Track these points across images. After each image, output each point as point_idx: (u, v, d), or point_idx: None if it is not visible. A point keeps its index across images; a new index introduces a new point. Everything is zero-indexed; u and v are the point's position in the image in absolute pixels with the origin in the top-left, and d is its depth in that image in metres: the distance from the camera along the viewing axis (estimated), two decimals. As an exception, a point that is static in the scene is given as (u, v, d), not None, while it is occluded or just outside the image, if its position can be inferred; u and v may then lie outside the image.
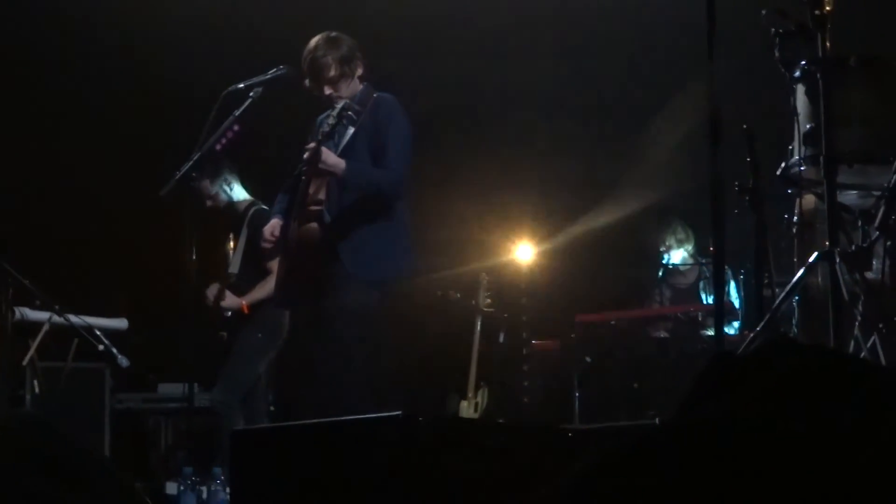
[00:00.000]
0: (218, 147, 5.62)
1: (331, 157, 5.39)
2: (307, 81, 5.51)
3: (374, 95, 5.62)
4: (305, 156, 5.40)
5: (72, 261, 7.59)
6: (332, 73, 5.47)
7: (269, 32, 7.28)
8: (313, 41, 5.54)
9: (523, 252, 8.21)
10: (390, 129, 5.50)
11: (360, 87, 5.64)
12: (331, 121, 5.38)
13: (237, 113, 5.57)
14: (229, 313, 6.62)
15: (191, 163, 5.52)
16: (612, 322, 6.83)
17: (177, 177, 5.49)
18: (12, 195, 7.31)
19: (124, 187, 7.49)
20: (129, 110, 7.74)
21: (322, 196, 5.49)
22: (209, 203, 6.75)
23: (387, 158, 5.47)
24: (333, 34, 5.59)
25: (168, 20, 7.45)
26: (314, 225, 5.51)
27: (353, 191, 5.52)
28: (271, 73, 5.64)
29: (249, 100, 5.59)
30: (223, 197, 6.81)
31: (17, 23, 7.42)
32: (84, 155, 7.69)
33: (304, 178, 5.46)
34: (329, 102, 5.57)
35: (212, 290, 6.62)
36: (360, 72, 5.59)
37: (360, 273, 5.52)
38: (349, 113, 5.39)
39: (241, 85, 5.58)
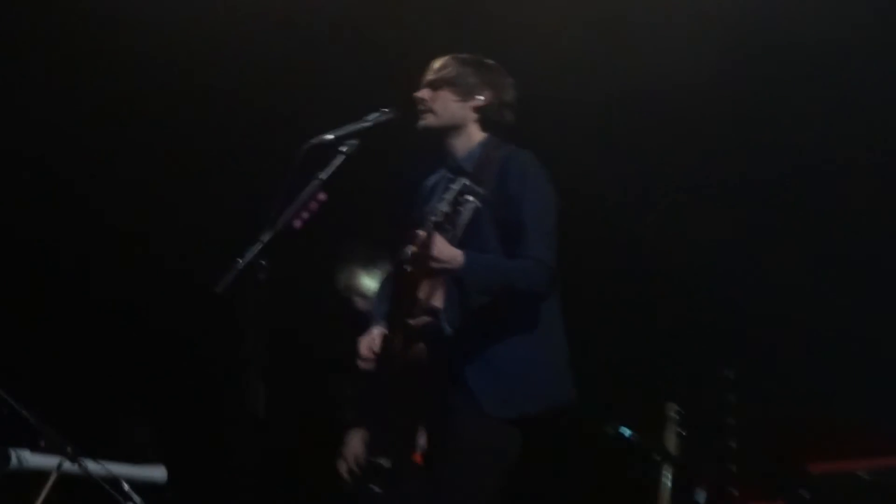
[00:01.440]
0: (297, 224, 4.06)
1: (445, 251, 3.92)
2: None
3: (502, 152, 4.12)
4: (411, 249, 3.91)
5: (91, 384, 6.03)
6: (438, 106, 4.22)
7: (366, 63, 5.75)
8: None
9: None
10: (526, 202, 4.14)
11: (481, 137, 4.18)
12: (444, 207, 3.89)
13: (324, 176, 4.02)
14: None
15: (259, 247, 3.94)
16: (864, 475, 4.94)
17: (239, 266, 3.92)
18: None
19: (161, 279, 5.98)
20: (161, 167, 6.29)
21: (438, 302, 4.10)
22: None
23: (525, 242, 4.10)
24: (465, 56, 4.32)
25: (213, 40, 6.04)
26: (428, 341, 4.03)
27: (481, 293, 4.02)
28: (372, 118, 4.11)
29: (341, 157, 4.04)
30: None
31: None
32: (110, 232, 6.23)
33: (410, 275, 4.04)
34: (443, 155, 4.25)
35: None
36: (477, 112, 4.23)
37: (495, 407, 4.02)
38: (469, 198, 3.90)
39: (330, 136, 4.03)
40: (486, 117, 4.25)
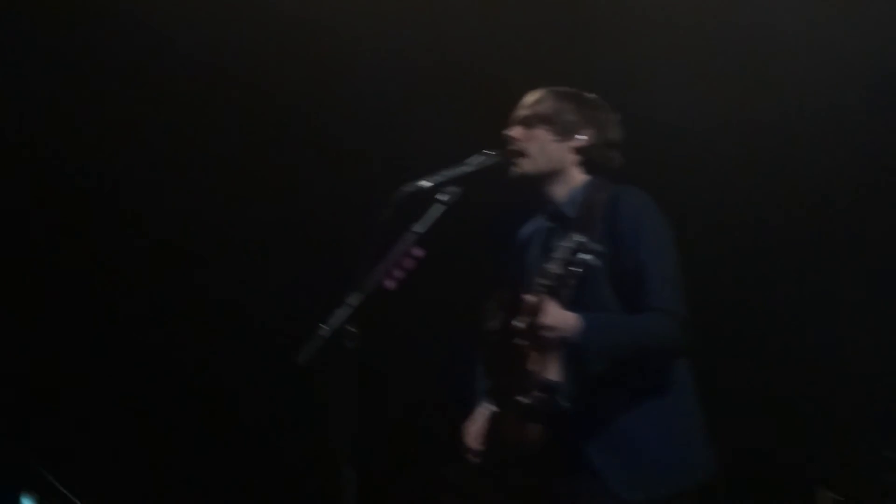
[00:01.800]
0: (389, 285, 3.53)
1: (559, 317, 3.44)
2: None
3: (608, 192, 3.59)
4: (518, 322, 3.40)
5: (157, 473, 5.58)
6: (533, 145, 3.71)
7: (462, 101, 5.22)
8: None
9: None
10: (643, 246, 3.56)
11: (584, 179, 3.68)
12: (556, 268, 3.36)
13: (420, 228, 3.51)
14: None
15: (347, 312, 3.43)
16: None
17: (324, 334, 3.42)
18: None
19: (237, 348, 5.49)
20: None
21: (552, 374, 3.50)
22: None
23: (647, 292, 3.53)
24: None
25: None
26: (543, 420, 3.50)
27: (603, 360, 3.49)
28: (475, 161, 3.60)
29: (440, 206, 3.53)
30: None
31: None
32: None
33: (519, 347, 3.50)
34: (538, 201, 3.76)
35: None
36: (579, 153, 3.71)
37: (627, 489, 3.46)
38: (585, 257, 3.35)
39: (426, 182, 3.54)
40: (589, 159, 3.72)
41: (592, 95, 3.79)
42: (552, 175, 3.70)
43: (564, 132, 3.68)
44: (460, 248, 4.89)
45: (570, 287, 3.39)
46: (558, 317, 3.38)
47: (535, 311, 3.36)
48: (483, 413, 3.71)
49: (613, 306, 3.52)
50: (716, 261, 5.08)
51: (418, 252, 3.51)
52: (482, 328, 3.68)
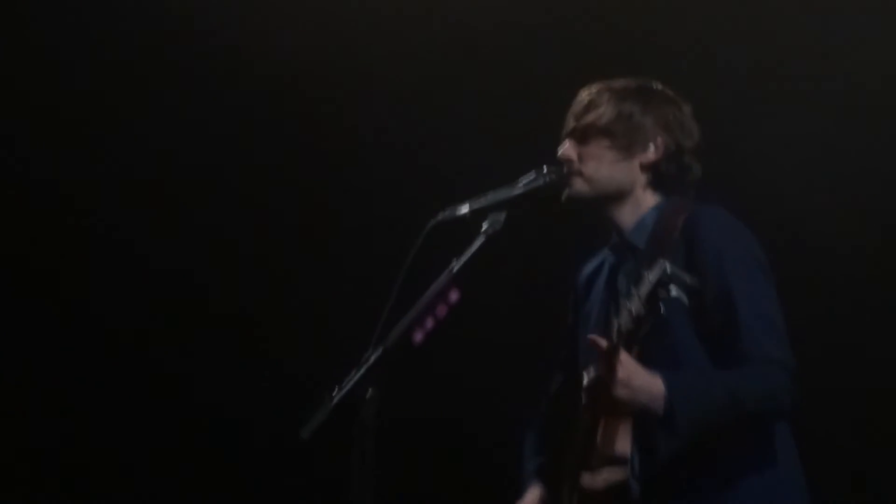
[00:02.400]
0: (418, 338, 2.81)
1: (638, 375, 2.73)
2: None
3: (685, 216, 2.90)
4: (589, 381, 2.74)
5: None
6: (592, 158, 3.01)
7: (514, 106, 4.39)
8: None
9: None
10: (732, 280, 2.86)
11: (654, 200, 3.00)
12: (636, 307, 2.66)
13: (457, 266, 2.79)
14: None
15: (364, 371, 2.73)
16: None
17: (335, 399, 2.73)
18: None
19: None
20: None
21: (623, 447, 2.82)
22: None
23: (743, 339, 2.83)
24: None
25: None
26: None
27: (693, 428, 2.78)
28: (526, 182, 2.89)
29: (481, 238, 2.82)
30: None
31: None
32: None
33: (582, 413, 2.86)
34: (603, 229, 3.09)
35: None
36: (648, 170, 3.02)
37: None
38: (673, 291, 2.65)
39: (464, 208, 2.84)
40: (661, 175, 3.01)
41: (659, 86, 3.07)
42: (615, 198, 3.00)
43: (629, 146, 2.99)
44: (506, 291, 4.08)
45: (646, 332, 2.70)
46: (637, 375, 2.69)
47: (609, 363, 2.68)
48: (534, 497, 3.06)
49: (696, 356, 2.83)
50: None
51: (454, 296, 2.81)
52: (534, 390, 2.97)
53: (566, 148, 3.02)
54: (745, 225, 2.95)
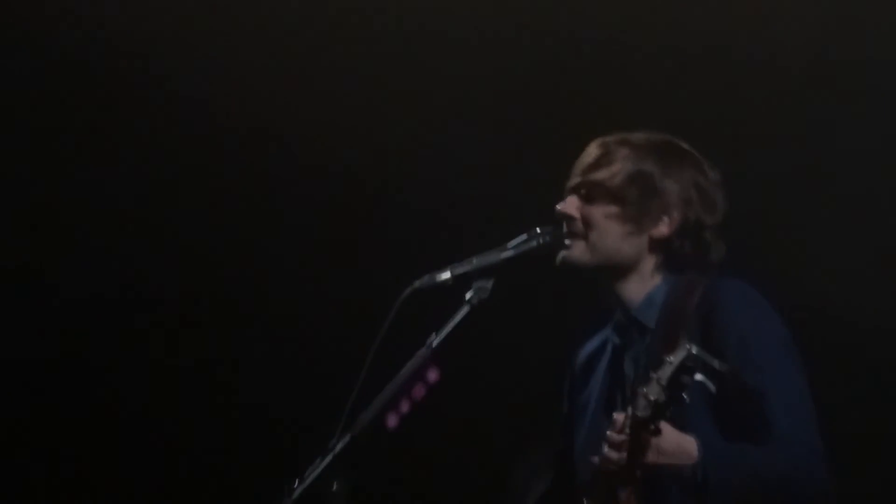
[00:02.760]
0: (392, 423, 2.47)
1: (676, 442, 2.37)
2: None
3: (701, 292, 2.53)
4: (608, 450, 2.35)
5: None
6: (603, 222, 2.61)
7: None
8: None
9: None
10: (757, 364, 2.48)
11: (665, 276, 2.62)
12: (655, 393, 2.31)
13: (436, 342, 2.46)
14: None
15: (329, 461, 2.41)
16: None
17: (294, 494, 2.40)
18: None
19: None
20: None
21: None
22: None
23: (765, 422, 2.48)
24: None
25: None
26: None
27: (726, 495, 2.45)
28: (516, 244, 2.54)
29: (465, 308, 2.47)
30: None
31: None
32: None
33: (596, 483, 2.42)
34: (604, 302, 2.68)
35: None
36: (659, 247, 2.62)
37: None
38: (699, 377, 2.31)
39: (446, 274, 2.49)
40: (673, 252, 2.61)
41: (685, 145, 2.67)
42: (619, 270, 2.61)
43: (641, 217, 2.58)
44: (491, 370, 3.66)
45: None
46: (673, 440, 2.35)
47: (639, 431, 2.34)
48: None
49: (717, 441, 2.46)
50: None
51: (434, 375, 2.46)
52: (523, 488, 2.59)
53: (568, 204, 2.61)
54: (769, 301, 2.55)
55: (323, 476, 2.44)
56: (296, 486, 2.43)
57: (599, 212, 2.59)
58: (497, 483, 2.53)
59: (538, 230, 2.56)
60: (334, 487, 2.45)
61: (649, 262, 2.60)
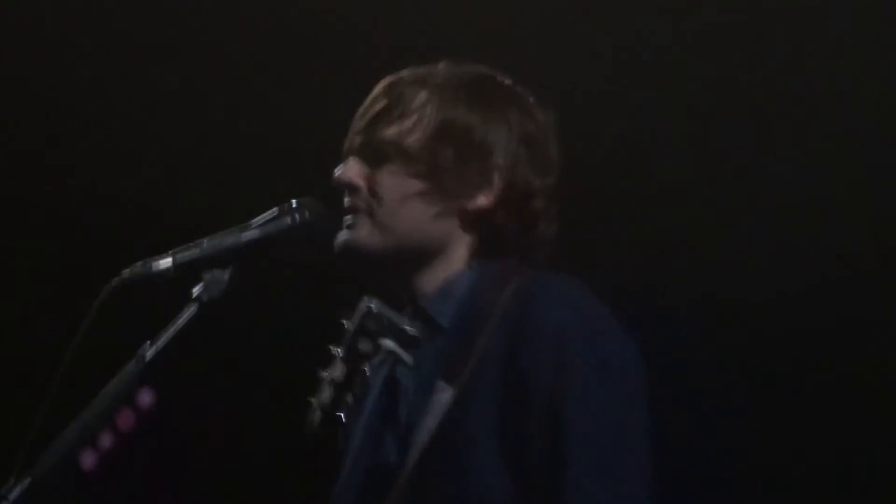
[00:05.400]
0: (90, 462, 1.88)
1: None
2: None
3: (515, 287, 1.93)
4: None
5: None
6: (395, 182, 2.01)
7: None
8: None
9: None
10: (570, 397, 1.85)
11: (475, 261, 2.02)
12: (334, 372, 1.89)
13: (150, 354, 1.83)
14: None
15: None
16: None
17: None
18: None
19: None
20: None
21: None
22: None
23: (563, 486, 1.83)
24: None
25: None
26: None
27: None
28: (263, 223, 1.93)
29: (191, 309, 1.87)
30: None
31: None
32: None
33: None
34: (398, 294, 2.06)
35: None
36: (475, 223, 2.02)
37: None
38: (373, 342, 1.90)
39: (167, 261, 1.89)
40: (493, 230, 2.03)
41: (506, 81, 2.09)
42: (418, 257, 2.01)
43: (451, 186, 1.98)
44: (230, 392, 2.99)
45: (420, 418, 1.88)
46: None
47: None
48: None
49: (496, 498, 1.86)
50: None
51: (147, 399, 1.88)
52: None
53: (348, 170, 2.01)
54: (609, 310, 1.96)
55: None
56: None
57: (392, 179, 1.99)
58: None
59: (293, 203, 1.93)
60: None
61: (461, 245, 2.01)
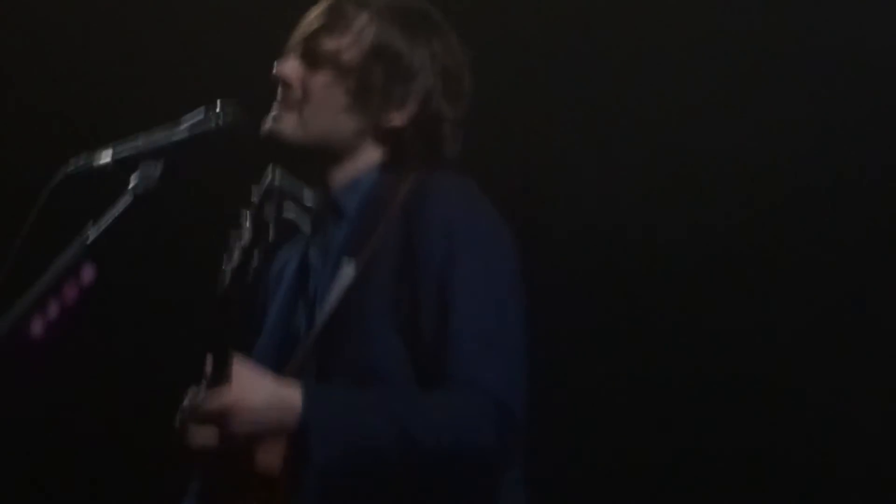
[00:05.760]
0: (38, 329, 2.11)
1: (248, 389, 2.04)
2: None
3: (414, 182, 2.22)
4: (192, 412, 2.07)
5: None
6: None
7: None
8: None
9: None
10: (455, 277, 2.14)
11: (381, 160, 2.29)
12: (243, 237, 2.09)
13: (93, 236, 2.09)
14: None
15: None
16: None
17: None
18: None
19: None
20: None
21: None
22: None
23: (449, 356, 2.10)
24: None
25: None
26: None
27: (346, 477, 2.06)
28: (191, 123, 2.17)
29: (128, 199, 2.12)
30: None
31: None
32: None
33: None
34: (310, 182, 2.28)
35: None
36: (387, 136, 2.27)
37: None
38: (276, 209, 2.14)
39: (106, 156, 2.13)
40: (401, 146, 2.29)
41: (434, 13, 2.33)
42: (330, 154, 2.28)
43: (373, 102, 2.24)
44: (163, 273, 3.19)
45: (325, 295, 2.13)
46: (247, 388, 2.00)
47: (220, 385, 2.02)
48: None
49: (400, 375, 2.13)
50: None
51: (89, 275, 2.13)
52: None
53: (288, 66, 2.26)
54: (496, 209, 2.23)
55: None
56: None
57: (323, 86, 2.24)
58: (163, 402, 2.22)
59: (218, 105, 2.17)
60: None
61: (371, 152, 2.28)
